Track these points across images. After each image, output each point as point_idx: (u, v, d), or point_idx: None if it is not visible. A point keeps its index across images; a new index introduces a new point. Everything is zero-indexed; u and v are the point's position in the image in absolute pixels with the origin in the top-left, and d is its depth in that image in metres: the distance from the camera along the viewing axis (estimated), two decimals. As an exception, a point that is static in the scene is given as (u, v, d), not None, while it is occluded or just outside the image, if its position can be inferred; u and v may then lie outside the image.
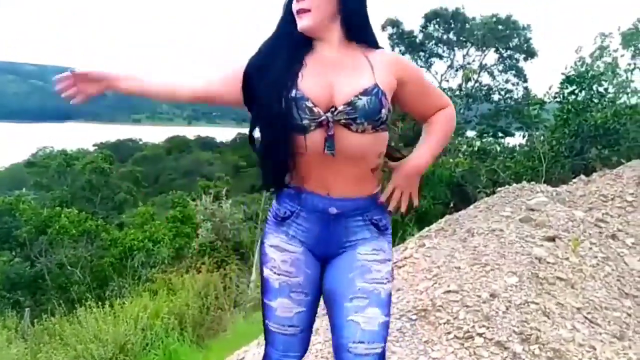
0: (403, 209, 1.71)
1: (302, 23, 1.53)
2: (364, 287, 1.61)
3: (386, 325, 1.63)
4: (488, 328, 2.84)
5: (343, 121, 1.49)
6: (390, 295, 1.67)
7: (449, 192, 9.88)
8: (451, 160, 10.25)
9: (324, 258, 1.70)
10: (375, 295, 1.61)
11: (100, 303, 6.83)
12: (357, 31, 1.59)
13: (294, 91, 1.49)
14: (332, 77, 1.53)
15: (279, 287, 1.68)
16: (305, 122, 1.50)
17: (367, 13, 1.60)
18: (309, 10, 1.52)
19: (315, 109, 1.49)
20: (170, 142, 61.91)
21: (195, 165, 49.40)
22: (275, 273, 1.68)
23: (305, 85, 1.51)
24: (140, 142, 65.71)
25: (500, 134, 16.82)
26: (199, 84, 1.68)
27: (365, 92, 1.49)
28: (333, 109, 1.50)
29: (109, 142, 58.94)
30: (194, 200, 12.02)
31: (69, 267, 13.81)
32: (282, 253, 1.67)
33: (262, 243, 1.74)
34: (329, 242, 1.66)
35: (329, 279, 1.69)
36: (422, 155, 1.70)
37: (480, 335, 2.78)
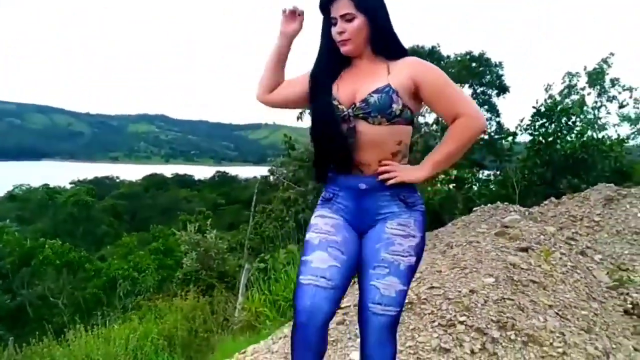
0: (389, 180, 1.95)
1: (345, 49, 1.95)
2: (386, 258, 1.90)
3: (403, 293, 1.91)
4: (468, 317, 3.12)
5: (361, 115, 1.88)
6: (410, 267, 1.92)
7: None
8: (429, 188, 10.65)
9: (360, 231, 1.99)
10: (395, 266, 1.89)
11: (89, 328, 6.91)
12: (382, 48, 1.96)
13: (330, 97, 1.94)
14: (357, 83, 1.94)
15: (317, 243, 1.94)
16: (335, 117, 1.91)
17: (391, 34, 1.97)
18: (348, 39, 1.92)
19: (340, 107, 1.92)
20: (147, 180, 61.59)
21: (173, 203, 49.12)
22: (316, 233, 1.97)
23: (337, 91, 1.95)
24: (118, 180, 65.38)
25: (476, 167, 17.31)
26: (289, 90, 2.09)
27: (376, 91, 1.87)
28: (353, 106, 1.90)
29: (87, 179, 58.54)
30: (178, 231, 12.10)
31: (51, 298, 13.63)
32: (325, 219, 2.00)
33: (310, 220, 2.05)
34: (363, 215, 1.97)
35: (362, 248, 1.97)
36: (421, 167, 1.96)
37: (461, 322, 3.07)
